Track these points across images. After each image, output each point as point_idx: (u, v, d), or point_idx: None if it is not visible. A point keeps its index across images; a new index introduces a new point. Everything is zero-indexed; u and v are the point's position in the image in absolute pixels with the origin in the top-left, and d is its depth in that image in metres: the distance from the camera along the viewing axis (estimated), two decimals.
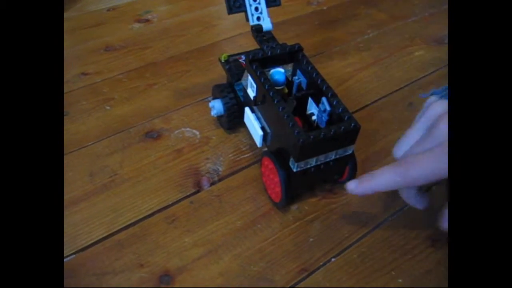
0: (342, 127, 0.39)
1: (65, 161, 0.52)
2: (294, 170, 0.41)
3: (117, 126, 0.57)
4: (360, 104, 0.61)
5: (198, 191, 0.48)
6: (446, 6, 0.88)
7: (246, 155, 0.52)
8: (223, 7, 0.85)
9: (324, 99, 0.42)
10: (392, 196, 0.48)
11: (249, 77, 0.46)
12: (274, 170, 0.43)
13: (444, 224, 0.36)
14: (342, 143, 0.41)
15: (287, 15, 0.84)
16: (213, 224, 0.45)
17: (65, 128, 0.57)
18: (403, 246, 0.43)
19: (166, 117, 0.58)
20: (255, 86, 0.45)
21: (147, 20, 0.82)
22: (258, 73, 0.44)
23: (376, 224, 0.45)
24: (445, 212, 0.36)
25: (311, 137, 0.38)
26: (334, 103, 0.42)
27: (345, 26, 0.81)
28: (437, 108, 0.38)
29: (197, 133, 0.55)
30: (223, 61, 0.54)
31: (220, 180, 0.49)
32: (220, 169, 0.51)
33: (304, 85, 0.47)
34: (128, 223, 0.45)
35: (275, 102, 0.41)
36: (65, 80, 0.65)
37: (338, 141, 0.41)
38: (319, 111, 0.43)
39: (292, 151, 0.40)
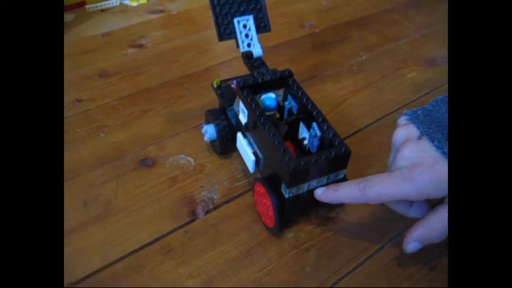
0: (333, 153, 0.40)
1: None
2: (286, 196, 0.41)
3: (111, 154, 0.57)
4: (354, 127, 0.61)
5: (193, 220, 0.48)
6: (437, 27, 0.89)
7: (241, 182, 0.52)
8: None
9: (314, 124, 0.42)
10: (388, 221, 0.48)
11: (241, 103, 0.47)
12: (266, 195, 0.43)
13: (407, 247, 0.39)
14: (334, 168, 0.41)
15: (280, 39, 0.84)
16: (208, 254, 0.44)
17: None
18: (401, 273, 0.43)
19: (160, 144, 0.58)
20: (246, 112, 0.46)
21: (141, 45, 0.83)
22: (249, 100, 0.44)
23: (373, 252, 0.45)
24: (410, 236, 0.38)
25: (302, 163, 0.38)
26: (325, 128, 0.42)
27: (337, 48, 0.81)
28: (402, 133, 0.40)
29: (192, 160, 0.55)
30: (215, 86, 0.54)
31: (215, 208, 0.49)
32: (215, 197, 0.50)
33: (295, 110, 0.47)
34: (123, 254, 0.44)
35: (266, 128, 0.42)
36: None
37: (329, 166, 0.41)
38: (310, 136, 0.43)
39: (284, 177, 0.40)
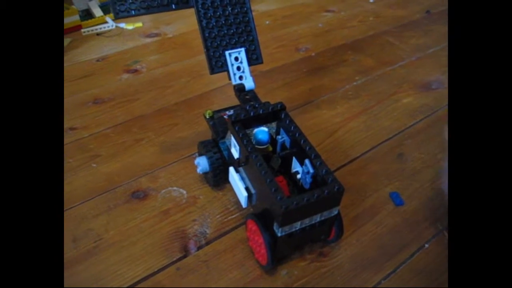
0: (326, 191, 0.39)
1: None
2: (279, 234, 0.40)
3: (103, 185, 0.56)
4: (349, 156, 0.61)
5: (185, 256, 0.47)
6: (432, 50, 0.89)
7: (234, 216, 0.51)
8: None
9: (307, 161, 0.42)
10: (382, 258, 0.47)
11: (232, 138, 0.46)
12: (258, 233, 0.42)
13: None
14: (326, 206, 0.41)
15: (276, 63, 0.84)
16: None
17: None
18: None
19: (153, 175, 0.57)
20: (238, 147, 0.45)
21: (136, 71, 0.83)
22: (240, 135, 0.44)
23: None
24: None
25: (294, 203, 0.38)
26: (318, 164, 0.41)
27: (333, 73, 0.81)
28: None
29: (184, 192, 0.54)
30: (207, 117, 0.54)
31: (207, 243, 0.48)
32: (208, 231, 0.50)
33: (287, 144, 0.47)
34: None
35: (258, 166, 0.41)
36: None
37: (322, 204, 0.40)
38: (303, 172, 0.43)
39: (276, 216, 0.39)
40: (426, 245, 0.48)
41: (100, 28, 0.99)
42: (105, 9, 1.02)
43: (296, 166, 0.45)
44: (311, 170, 0.41)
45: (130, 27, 1.00)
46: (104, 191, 0.55)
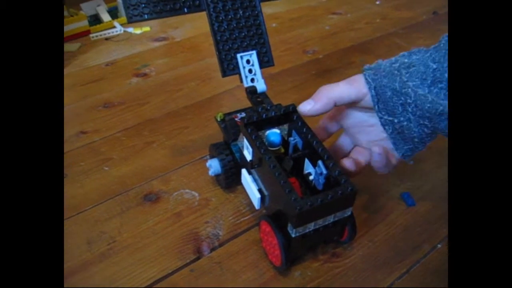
0: (339, 192, 0.39)
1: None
2: (293, 235, 0.40)
3: (115, 188, 0.56)
4: None
5: (198, 258, 0.47)
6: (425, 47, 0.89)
7: (246, 217, 0.52)
8: None
9: (320, 162, 0.42)
10: (395, 258, 0.47)
11: (245, 140, 0.46)
12: (272, 234, 0.43)
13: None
14: (340, 206, 0.41)
15: (284, 65, 0.84)
16: None
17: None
18: None
19: (164, 178, 0.58)
20: (251, 149, 0.45)
21: (145, 74, 0.83)
22: (253, 137, 0.44)
23: None
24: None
25: (308, 204, 0.38)
26: (330, 165, 0.42)
27: (341, 75, 0.81)
28: None
29: (196, 194, 0.55)
30: (219, 120, 0.54)
31: (220, 245, 0.49)
32: (220, 233, 0.50)
33: (300, 145, 0.47)
34: None
35: (271, 167, 0.41)
36: (64, 139, 0.65)
37: (336, 205, 0.40)
38: (316, 173, 0.43)
39: (290, 217, 0.40)
40: (439, 245, 0.48)
41: (109, 33, 0.99)
42: (113, 14, 1.03)
43: (308, 168, 0.45)
44: (324, 171, 0.41)
45: (138, 31, 1.01)
46: (117, 194, 0.55)
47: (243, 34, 0.50)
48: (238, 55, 0.50)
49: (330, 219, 0.41)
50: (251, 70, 0.51)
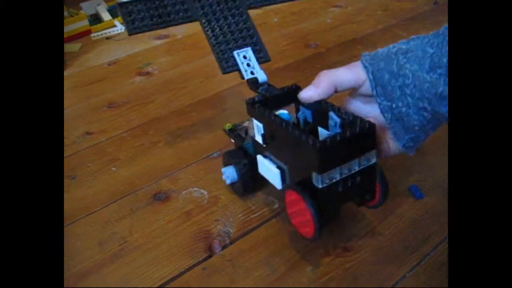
0: (357, 128, 0.38)
1: (73, 229, 0.51)
2: (320, 186, 0.38)
3: (124, 188, 0.57)
4: None
5: (210, 256, 0.48)
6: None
7: (256, 214, 0.52)
8: None
9: (331, 113, 0.41)
10: (406, 251, 0.47)
11: (254, 121, 0.46)
12: (299, 198, 0.40)
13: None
14: (361, 146, 0.40)
15: (286, 60, 0.84)
16: None
17: (72, 193, 0.56)
18: None
19: (172, 176, 0.58)
20: (261, 125, 0.45)
21: (148, 73, 0.83)
22: (262, 110, 0.44)
23: (394, 283, 0.44)
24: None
25: (328, 141, 0.37)
26: (343, 114, 0.41)
27: None
28: None
29: (205, 193, 0.55)
30: (227, 130, 0.55)
31: (231, 242, 0.49)
32: (231, 230, 0.50)
33: (310, 119, 0.46)
34: None
35: (284, 125, 0.41)
36: (70, 141, 0.66)
37: (356, 144, 0.39)
38: (331, 127, 0.42)
39: (313, 164, 0.38)
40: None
41: (109, 32, 0.99)
42: (113, 12, 1.03)
43: (323, 134, 0.45)
44: (338, 120, 0.41)
45: None
46: (126, 194, 0.56)
47: (236, 35, 0.53)
48: (235, 52, 0.52)
49: (355, 166, 0.40)
50: (249, 64, 0.52)
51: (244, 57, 0.52)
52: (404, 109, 0.42)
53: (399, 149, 0.46)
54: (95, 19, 1.02)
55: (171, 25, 0.53)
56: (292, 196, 0.42)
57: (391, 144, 0.46)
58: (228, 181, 0.52)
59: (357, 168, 0.40)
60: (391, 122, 0.44)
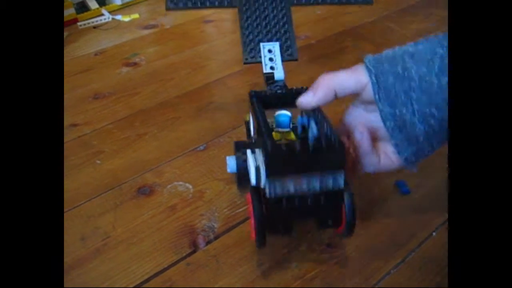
0: (324, 142, 0.36)
1: None
2: (268, 195, 0.35)
3: (108, 182, 0.56)
4: None
5: (194, 251, 0.47)
6: (433, 34, 0.88)
7: (241, 209, 0.51)
8: (211, 46, 0.86)
9: (312, 122, 0.40)
10: (392, 247, 0.47)
11: (251, 118, 0.45)
12: (250, 201, 0.38)
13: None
14: (325, 163, 0.36)
15: None
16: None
17: None
18: None
19: (158, 170, 0.57)
20: (252, 121, 0.44)
21: (135, 64, 0.82)
22: (255, 106, 0.43)
23: (379, 279, 0.44)
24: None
25: (284, 148, 0.34)
26: (324, 126, 0.38)
27: (334, 60, 0.81)
28: None
29: (190, 187, 0.54)
30: (245, 121, 0.53)
31: (216, 238, 0.48)
32: (216, 225, 0.50)
33: (311, 128, 0.44)
34: None
35: (260, 124, 0.38)
36: None
37: (319, 160, 0.35)
38: (309, 137, 0.42)
39: (264, 165, 0.35)
40: (434, 233, 0.48)
41: (97, 21, 0.98)
42: (100, 1, 1.01)
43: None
44: (315, 132, 0.39)
45: (126, 19, 0.99)
46: (110, 188, 0.55)
47: (269, 27, 0.52)
48: (261, 44, 0.51)
49: (316, 183, 0.36)
50: (272, 58, 0.51)
51: (269, 51, 0.52)
52: (408, 116, 0.39)
53: (400, 164, 0.43)
54: (82, 7, 1.00)
55: (209, 7, 0.53)
56: (248, 197, 0.40)
57: (392, 157, 0.43)
58: (228, 170, 0.50)
59: (317, 186, 0.36)
60: (393, 132, 0.40)
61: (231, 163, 0.50)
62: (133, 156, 0.60)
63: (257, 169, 0.41)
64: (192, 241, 0.48)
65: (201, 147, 0.60)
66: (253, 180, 0.41)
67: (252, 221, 0.39)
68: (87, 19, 0.97)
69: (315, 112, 0.41)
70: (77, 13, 0.97)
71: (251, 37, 0.51)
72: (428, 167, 0.56)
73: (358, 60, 0.81)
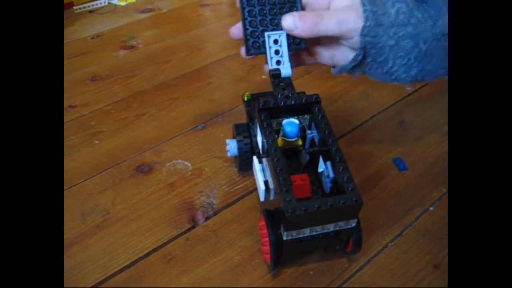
0: (341, 201, 0.35)
1: None
2: (284, 238, 0.37)
3: (107, 161, 0.56)
4: (352, 124, 0.61)
5: (193, 227, 0.47)
6: None
7: (240, 186, 0.52)
8: (208, 30, 0.86)
9: (328, 164, 0.39)
10: (389, 221, 0.47)
11: (258, 126, 0.43)
12: (265, 230, 0.40)
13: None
14: (342, 217, 0.37)
15: None
16: (210, 261, 0.44)
17: None
18: (405, 273, 0.43)
19: (156, 149, 0.57)
20: (260, 137, 0.43)
21: (132, 47, 0.82)
22: (265, 125, 0.41)
23: (376, 252, 0.45)
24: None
25: (302, 209, 0.35)
26: (340, 169, 0.38)
27: None
28: None
29: (189, 164, 0.55)
30: (245, 100, 0.52)
31: (215, 214, 0.49)
32: (214, 202, 0.50)
33: (317, 141, 0.43)
34: (124, 265, 0.44)
35: (274, 161, 0.38)
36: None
37: (336, 214, 0.37)
38: (323, 176, 0.40)
39: (283, 218, 0.36)
40: (431, 208, 0.49)
41: (93, 5, 0.97)
42: None
43: (322, 166, 0.42)
44: (331, 175, 0.38)
45: (123, 3, 0.98)
46: (109, 167, 0.55)
47: (275, 14, 0.45)
48: (266, 34, 0.45)
49: (330, 227, 0.38)
50: (278, 51, 0.46)
51: (275, 41, 0.45)
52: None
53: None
54: None
55: None
56: (262, 222, 0.41)
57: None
58: (228, 154, 0.50)
59: (331, 229, 0.38)
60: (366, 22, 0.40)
61: (231, 146, 0.49)
62: (131, 135, 0.60)
63: (266, 184, 0.41)
64: (191, 217, 0.48)
65: (200, 127, 0.61)
66: (261, 197, 0.42)
67: (265, 247, 0.41)
68: (83, 3, 0.97)
69: (330, 148, 0.39)
70: None
71: (254, 25, 0.45)
72: (423, 144, 0.57)
73: None
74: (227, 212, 0.49)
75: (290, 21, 0.42)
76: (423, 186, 0.51)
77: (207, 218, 0.48)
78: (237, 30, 0.44)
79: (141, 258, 0.45)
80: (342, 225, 0.38)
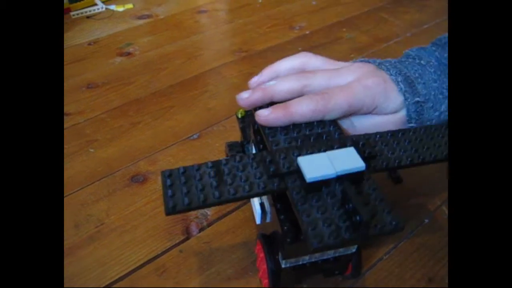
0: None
1: None
2: (282, 266, 0.37)
3: (101, 170, 0.56)
4: None
5: (187, 238, 0.47)
6: (427, 26, 0.88)
7: None
8: (205, 36, 0.86)
9: None
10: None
11: (253, 145, 0.42)
12: (263, 257, 0.39)
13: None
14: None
15: (270, 42, 0.83)
16: (204, 274, 0.44)
17: None
18: (400, 286, 0.43)
19: (151, 158, 0.57)
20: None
21: (129, 53, 0.81)
22: (261, 147, 0.40)
23: (370, 266, 0.44)
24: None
25: (301, 238, 0.33)
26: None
27: (328, 50, 0.80)
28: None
29: None
30: (239, 117, 0.50)
31: (209, 225, 0.48)
32: (209, 213, 0.50)
33: None
34: (117, 277, 0.44)
35: None
36: None
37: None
38: None
39: (281, 245, 0.36)
40: (426, 220, 0.49)
41: (90, 11, 0.97)
42: None
43: None
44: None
45: (120, 9, 0.98)
46: (103, 176, 0.55)
47: None
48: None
49: (330, 253, 0.38)
50: None
51: None
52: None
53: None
54: None
55: None
56: (259, 247, 0.40)
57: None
58: None
59: (331, 255, 0.38)
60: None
61: None
62: (126, 144, 0.60)
63: (262, 206, 0.40)
64: (185, 228, 0.48)
65: (195, 136, 0.60)
66: (258, 219, 0.40)
67: (262, 274, 0.40)
68: (80, 9, 0.96)
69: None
70: (70, 2, 0.96)
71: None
72: None
73: (352, 50, 0.82)
74: (221, 223, 0.49)
75: (265, 113, 0.37)
76: (418, 198, 0.51)
77: (201, 230, 0.48)
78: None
79: (134, 270, 0.44)
80: (342, 251, 0.38)
